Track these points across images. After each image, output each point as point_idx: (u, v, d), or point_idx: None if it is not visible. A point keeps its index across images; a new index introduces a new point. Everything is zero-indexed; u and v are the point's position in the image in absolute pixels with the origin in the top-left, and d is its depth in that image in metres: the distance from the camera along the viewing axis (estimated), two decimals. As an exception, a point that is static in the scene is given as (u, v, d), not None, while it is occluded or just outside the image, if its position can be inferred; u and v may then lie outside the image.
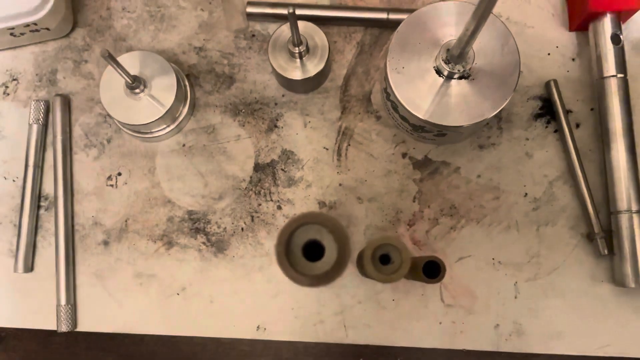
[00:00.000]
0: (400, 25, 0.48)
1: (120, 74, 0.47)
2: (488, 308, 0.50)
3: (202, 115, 0.54)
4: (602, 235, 0.50)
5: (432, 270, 0.39)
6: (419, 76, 0.47)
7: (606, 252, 0.49)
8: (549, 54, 0.54)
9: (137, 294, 0.52)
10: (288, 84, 0.53)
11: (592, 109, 0.53)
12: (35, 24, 0.51)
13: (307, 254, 0.34)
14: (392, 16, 0.53)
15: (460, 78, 0.46)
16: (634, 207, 0.48)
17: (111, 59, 0.44)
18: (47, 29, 0.53)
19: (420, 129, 0.49)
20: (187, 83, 0.53)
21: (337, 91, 0.54)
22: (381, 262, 0.35)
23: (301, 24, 0.50)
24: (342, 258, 0.30)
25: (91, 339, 0.52)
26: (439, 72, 0.47)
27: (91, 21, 0.56)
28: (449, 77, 0.46)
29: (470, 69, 0.46)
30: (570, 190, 0.52)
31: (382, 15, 0.53)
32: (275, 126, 0.54)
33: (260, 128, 0.54)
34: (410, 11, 0.52)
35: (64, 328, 0.50)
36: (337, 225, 0.31)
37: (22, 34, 0.53)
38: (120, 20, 0.56)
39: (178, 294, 0.52)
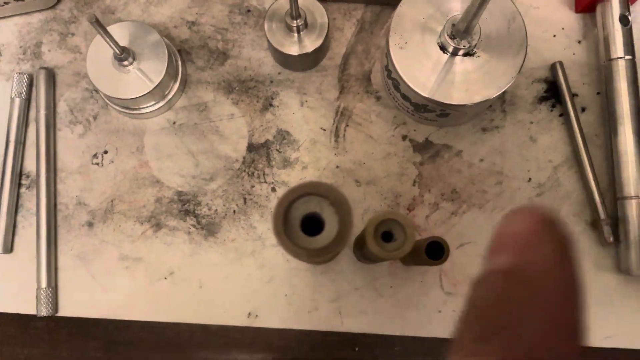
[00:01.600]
0: (403, 0, 0.46)
1: (108, 43, 0.44)
2: (489, 296, 0.48)
3: (194, 92, 0.52)
4: (607, 222, 0.48)
5: (435, 252, 0.37)
6: (422, 52, 0.45)
7: (612, 239, 0.48)
8: (554, 35, 0.52)
9: (123, 278, 0.49)
10: (285, 60, 0.51)
11: (598, 93, 0.51)
12: (19, -8, 0.49)
13: (306, 228, 0.31)
14: (394, -7, 0.51)
15: (465, 55, 0.45)
16: (641, 194, 0.47)
17: (98, 25, 0.41)
18: (32, -2, 0.50)
19: (423, 108, 0.47)
20: (178, 58, 0.51)
21: (336, 70, 0.52)
22: (383, 239, 0.33)
23: (300, -3, 0.48)
24: (343, 230, 0.28)
25: (73, 324, 0.49)
26: (443, 48, 0.45)
27: (79, -8, 0.53)
28: (454, 53, 0.44)
29: (475, 46, 0.44)
30: (575, 176, 0.50)
31: (384, -8, 0.51)
32: (271, 105, 0.51)
33: (254, 107, 0.51)
34: (412, -12, 0.50)
35: (44, 312, 0.48)
36: (339, 196, 0.29)
37: (6, 2, 0.50)
38: (110, -8, 0.53)
39: (166, 279, 0.49)
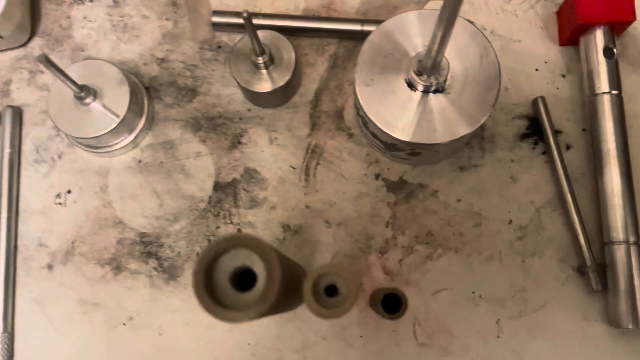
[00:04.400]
0: (370, 35, 0.44)
1: (64, 82, 0.43)
2: (467, 348, 0.45)
3: (161, 130, 0.50)
4: (594, 268, 0.44)
5: (392, 304, 0.35)
6: (390, 89, 0.43)
7: (600, 287, 0.44)
8: (537, 69, 0.50)
9: (80, 323, 0.47)
10: (253, 97, 0.49)
11: (584, 130, 0.48)
12: (-14, 31, 0.48)
13: (241, 283, 0.29)
14: (367, 27, 0.49)
15: (434, 92, 0.42)
16: (631, 238, 0.43)
17: (50, 64, 0.40)
18: (1, 37, 0.50)
19: (392, 147, 0.45)
20: (144, 95, 0.49)
21: (307, 106, 0.50)
22: (328, 294, 0.31)
23: (265, 33, 0.47)
24: (269, 287, 0.26)
25: (28, 372, 0.47)
26: (410, 85, 0.43)
27: (50, 30, 0.53)
28: (422, 90, 0.42)
29: (445, 82, 0.42)
30: (559, 218, 0.47)
31: (357, 27, 0.50)
32: (239, 142, 0.49)
33: (222, 144, 0.50)
34: (385, 22, 0.49)
35: (-2, 359, 0.46)
36: (265, 248, 0.27)
37: (-26, 41, 0.50)
38: (81, 29, 0.53)
39: (124, 324, 0.47)
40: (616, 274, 0.43)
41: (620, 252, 0.43)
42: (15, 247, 0.49)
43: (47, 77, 0.52)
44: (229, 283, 0.28)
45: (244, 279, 0.29)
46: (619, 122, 0.45)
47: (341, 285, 0.30)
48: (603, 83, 0.46)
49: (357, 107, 0.45)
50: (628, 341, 0.44)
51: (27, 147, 0.51)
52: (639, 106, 0.48)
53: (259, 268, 0.28)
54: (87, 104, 0.46)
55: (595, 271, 0.44)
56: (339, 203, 0.48)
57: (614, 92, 0.45)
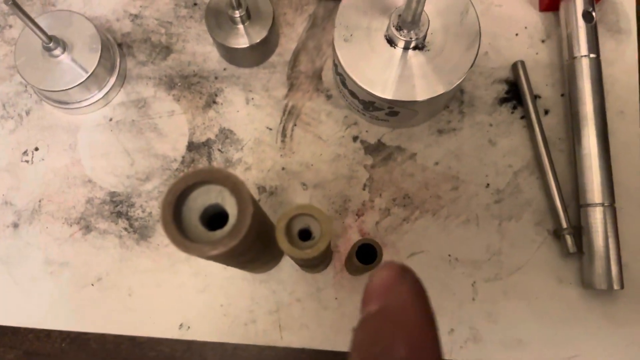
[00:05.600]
0: (350, -11, 0.43)
1: (32, 29, 0.41)
2: (442, 310, 0.45)
3: (134, 87, 0.49)
4: (570, 231, 0.44)
5: (367, 255, 0.34)
6: (369, 46, 0.42)
7: (575, 250, 0.44)
8: (517, 34, 0.49)
9: (47, 284, 0.46)
10: (229, 54, 0.48)
11: (562, 95, 0.48)
12: (-50, -21, 0.46)
13: (211, 224, 0.28)
14: (347, -13, 0.48)
15: (414, 49, 0.42)
16: (606, 201, 0.43)
17: (17, 7, 0.38)
18: (-35, -13, 0.48)
19: (371, 106, 0.44)
20: (116, 51, 0.48)
21: (285, 67, 0.49)
22: (302, 238, 0.30)
23: (242, -13, 0.45)
24: (240, 222, 0.25)
25: (-9, 334, 0.46)
26: (390, 41, 0.42)
27: (19, -17, 0.51)
28: (401, 47, 0.41)
29: (424, 39, 0.41)
30: (536, 182, 0.47)
31: (336, -14, 0.49)
32: (214, 102, 0.48)
33: (197, 104, 0.48)
34: (365, -19, 0.48)
35: (-42, 320, 0.44)
36: (237, 183, 0.26)
37: (-64, -9, 0.48)
38: (51, -17, 0.51)
39: (93, 285, 0.45)
40: (591, 236, 0.43)
41: (595, 214, 0.43)
42: (-21, 205, 0.47)
43: (15, 31, 0.50)
44: (200, 222, 0.27)
45: (215, 220, 0.28)
46: (596, 85, 0.45)
47: (315, 228, 0.29)
48: (582, 46, 0.45)
49: (336, 64, 0.44)
50: (601, 303, 0.44)
51: (-7, 102, 0.49)
52: (617, 72, 0.48)
53: (230, 207, 0.27)
54: (56, 56, 0.44)
55: (571, 234, 0.44)
56: (315, 165, 0.47)
57: (592, 55, 0.45)
